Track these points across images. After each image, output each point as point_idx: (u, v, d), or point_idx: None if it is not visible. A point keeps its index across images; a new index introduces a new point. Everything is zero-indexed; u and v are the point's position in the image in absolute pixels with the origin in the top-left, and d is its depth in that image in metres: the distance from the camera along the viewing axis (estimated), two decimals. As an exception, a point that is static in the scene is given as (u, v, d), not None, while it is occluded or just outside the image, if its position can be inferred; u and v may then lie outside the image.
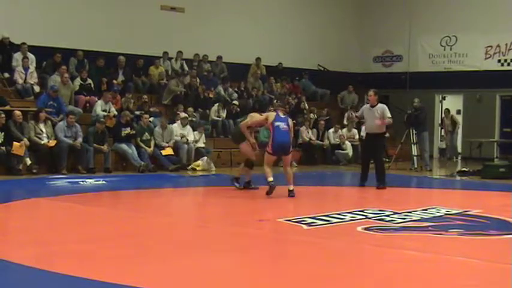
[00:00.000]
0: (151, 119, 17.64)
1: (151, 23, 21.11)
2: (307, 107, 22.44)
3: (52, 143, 15.42)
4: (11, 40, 18.01)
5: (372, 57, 27.16)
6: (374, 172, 13.84)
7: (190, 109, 19.08)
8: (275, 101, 20.12)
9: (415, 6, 25.53)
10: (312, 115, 21.74)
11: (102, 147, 16.07)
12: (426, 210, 10.39)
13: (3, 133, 14.82)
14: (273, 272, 6.44)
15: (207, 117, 19.85)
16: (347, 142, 21.05)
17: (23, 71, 17.52)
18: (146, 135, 17.02)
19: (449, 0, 25.09)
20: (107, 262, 6.77)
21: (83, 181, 14.28)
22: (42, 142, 15.35)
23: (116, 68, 19.64)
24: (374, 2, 26.98)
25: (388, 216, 9.72)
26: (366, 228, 8.64)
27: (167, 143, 17.34)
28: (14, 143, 14.68)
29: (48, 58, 18.47)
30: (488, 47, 24.20)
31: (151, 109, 18.60)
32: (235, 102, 20.77)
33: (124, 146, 16.54)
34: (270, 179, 12.04)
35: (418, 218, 9.61)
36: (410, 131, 19.08)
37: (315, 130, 21.04)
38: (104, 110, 17.36)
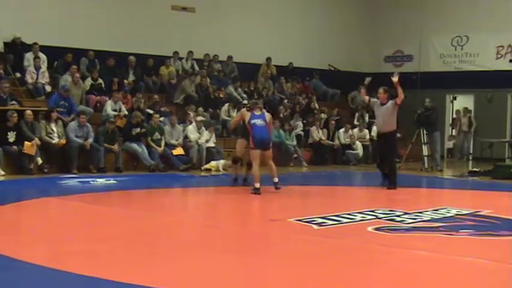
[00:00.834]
0: (161, 118, 17.67)
1: (162, 23, 21.14)
2: (317, 107, 22.44)
3: (62, 141, 15.46)
4: (23, 40, 18.10)
5: (382, 57, 27.10)
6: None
7: (201, 109, 19.10)
8: (245, 101, 20.24)
9: (426, 6, 25.45)
10: (322, 115, 21.73)
11: (112, 146, 16.10)
12: (437, 210, 10.36)
13: (14, 132, 14.87)
14: (283, 272, 6.44)
15: (218, 117, 19.87)
16: (357, 142, 21.02)
17: (34, 71, 17.59)
18: (157, 135, 17.05)
19: (461, 0, 25.03)
20: (117, 261, 6.79)
21: (93, 180, 14.31)
22: (53, 142, 15.39)
23: (127, 67, 19.68)
24: (385, 2, 26.92)
25: (398, 216, 9.70)
26: (376, 229, 8.63)
27: (176, 140, 17.37)
28: (26, 142, 14.73)
29: (60, 58, 18.54)
30: (499, 46, 24.12)
31: (162, 109, 18.65)
32: (245, 102, 20.76)
33: (134, 146, 16.58)
34: (257, 185, 12.35)
35: (429, 219, 9.60)
36: (421, 131, 19.02)
37: (325, 130, 21.01)
38: (115, 110, 17.40)
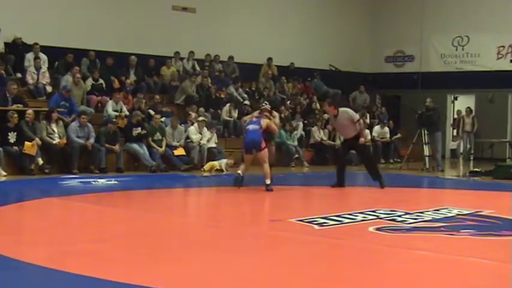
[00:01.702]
0: (162, 119, 17.68)
1: (163, 23, 21.16)
2: (318, 107, 22.44)
3: (63, 141, 15.46)
4: (23, 40, 18.11)
5: (383, 57, 27.13)
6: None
7: (202, 109, 19.11)
8: (246, 102, 20.63)
9: (427, 6, 25.49)
10: (324, 115, 21.72)
11: (113, 147, 16.11)
12: (438, 210, 10.36)
13: (15, 133, 14.88)
14: (284, 272, 6.43)
15: (219, 118, 19.87)
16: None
17: (34, 71, 17.60)
18: (158, 135, 17.05)
19: (462, 0, 25.03)
20: (118, 262, 6.78)
21: (94, 181, 14.30)
22: (54, 142, 15.39)
23: (128, 67, 19.68)
24: (386, 2, 26.95)
25: (399, 216, 9.70)
26: (377, 229, 8.62)
27: (178, 142, 17.38)
28: (26, 142, 14.74)
29: (60, 58, 18.55)
30: (500, 47, 24.14)
31: (164, 109, 18.65)
32: (246, 102, 20.79)
33: (135, 146, 16.57)
34: (239, 171, 13.13)
35: (430, 219, 9.59)
36: (422, 131, 19.01)
37: (326, 130, 21.01)
38: (116, 110, 17.40)
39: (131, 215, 10.23)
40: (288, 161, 19.33)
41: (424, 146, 19.01)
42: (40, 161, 14.97)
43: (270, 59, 23.38)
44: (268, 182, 12.79)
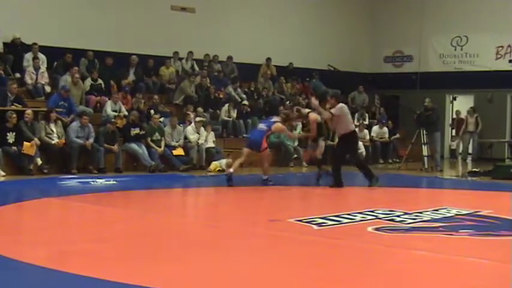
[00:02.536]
0: (161, 119, 17.67)
1: (162, 23, 21.14)
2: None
3: (62, 141, 15.45)
4: (22, 40, 18.10)
5: (382, 57, 27.13)
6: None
7: (200, 109, 19.09)
8: (245, 102, 20.93)
9: (426, 6, 25.48)
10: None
11: (112, 147, 16.11)
12: (437, 210, 10.36)
13: (14, 133, 14.87)
14: (283, 272, 6.44)
15: (218, 118, 19.87)
16: (359, 142, 20.97)
17: (33, 71, 17.60)
18: (156, 135, 17.05)
19: (461, 0, 25.04)
20: (118, 262, 6.79)
21: (93, 181, 14.31)
22: (53, 142, 15.39)
23: (127, 67, 19.68)
24: (385, 2, 26.94)
25: (398, 216, 9.70)
26: (376, 229, 8.63)
27: (177, 142, 17.38)
28: (25, 142, 14.74)
29: (59, 58, 18.54)
30: (499, 47, 24.14)
31: (162, 108, 18.64)
32: (245, 102, 20.79)
33: (134, 146, 16.57)
34: (230, 169, 13.56)
35: (429, 219, 9.59)
36: (421, 131, 19.01)
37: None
38: (114, 110, 17.40)
39: (130, 215, 10.23)
40: (286, 161, 19.32)
41: (423, 146, 19.01)
42: (39, 161, 14.97)
43: (268, 59, 23.37)
44: (264, 177, 13.41)
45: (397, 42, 26.60)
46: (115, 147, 16.15)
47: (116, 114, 17.27)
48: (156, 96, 19.05)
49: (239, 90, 21.55)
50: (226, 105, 20.10)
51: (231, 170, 13.47)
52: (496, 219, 9.65)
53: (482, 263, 6.93)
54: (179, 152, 17.25)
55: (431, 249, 7.55)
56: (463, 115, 23.94)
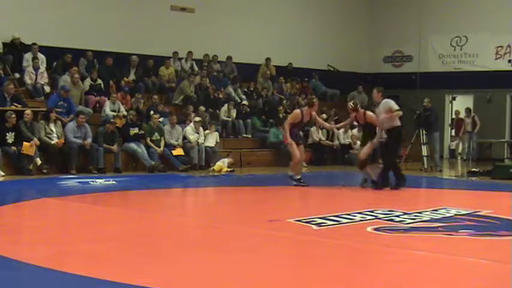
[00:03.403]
0: (161, 119, 17.68)
1: (161, 23, 21.15)
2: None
3: (61, 141, 15.45)
4: (22, 40, 18.11)
5: (382, 58, 27.14)
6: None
7: (202, 108, 19.07)
8: (244, 102, 20.99)
9: (425, 6, 25.48)
10: (323, 115, 21.69)
11: (112, 147, 16.11)
12: (436, 210, 10.36)
13: (13, 133, 14.88)
14: (282, 272, 6.44)
15: (217, 118, 19.87)
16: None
17: (33, 72, 17.60)
18: (156, 135, 17.06)
19: (460, 0, 25.03)
20: (117, 262, 6.78)
21: (93, 181, 14.31)
22: (52, 142, 15.39)
23: (128, 67, 19.68)
24: (384, 2, 26.95)
25: (398, 216, 9.70)
26: (375, 229, 8.62)
27: (176, 141, 17.38)
28: (24, 143, 14.74)
29: (59, 58, 18.55)
30: (498, 47, 24.14)
31: (161, 109, 18.64)
32: (244, 102, 20.80)
33: (134, 146, 16.58)
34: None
35: (428, 219, 9.59)
36: (420, 131, 19.02)
37: (324, 130, 21.00)
38: (114, 110, 17.41)
39: (129, 215, 10.23)
40: (286, 161, 19.29)
41: (423, 146, 19.02)
42: (38, 161, 14.98)
43: (268, 59, 23.37)
44: (290, 173, 13.37)
45: (396, 42, 26.61)
46: (114, 147, 16.15)
47: (115, 114, 17.27)
48: (155, 96, 19.05)
49: (239, 90, 21.56)
50: (226, 105, 20.11)
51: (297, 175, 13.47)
52: (495, 220, 9.64)
53: (481, 263, 6.93)
54: (179, 152, 17.26)
55: (431, 249, 7.55)
56: (462, 115, 23.94)
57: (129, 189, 13.55)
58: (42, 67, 17.88)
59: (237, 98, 21.08)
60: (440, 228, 8.78)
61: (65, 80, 17.54)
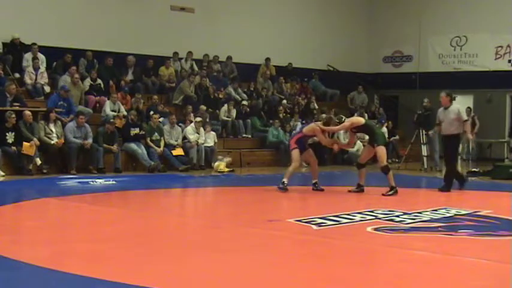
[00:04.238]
0: (160, 119, 17.67)
1: (161, 23, 21.15)
2: (316, 107, 22.42)
3: (61, 141, 15.45)
4: (22, 40, 18.10)
5: (381, 58, 27.12)
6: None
7: (203, 107, 19.06)
8: (244, 102, 20.91)
9: (425, 6, 25.47)
10: (324, 115, 21.64)
11: (111, 147, 16.11)
12: (436, 210, 10.37)
13: (13, 133, 14.87)
14: (282, 272, 6.44)
15: (217, 118, 19.87)
16: (358, 142, 20.96)
17: (33, 72, 17.60)
18: (156, 136, 17.06)
19: (460, 0, 25.03)
20: (116, 262, 6.79)
21: (93, 181, 14.31)
22: (52, 142, 15.39)
23: (126, 68, 19.68)
24: (384, 2, 26.95)
25: (398, 216, 9.71)
26: (375, 229, 8.63)
27: (176, 141, 17.39)
28: (24, 143, 14.74)
29: (59, 58, 18.54)
30: (498, 47, 24.13)
31: (161, 109, 18.64)
32: (244, 102, 20.79)
33: (133, 146, 16.58)
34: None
35: (428, 219, 9.60)
36: (420, 131, 19.02)
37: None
38: (113, 110, 17.41)
39: (129, 215, 10.24)
40: (286, 161, 19.29)
41: (422, 146, 19.03)
42: (38, 161, 14.97)
43: (268, 59, 23.36)
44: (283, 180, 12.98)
45: (396, 42, 26.60)
46: (114, 147, 16.15)
47: (115, 114, 17.28)
48: (155, 96, 19.05)
49: (239, 90, 21.56)
50: (226, 105, 20.10)
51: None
52: (495, 220, 9.66)
53: (481, 263, 6.94)
54: (179, 152, 17.26)
55: (431, 249, 7.55)
56: (462, 115, 23.89)
57: (129, 189, 13.55)
58: (42, 67, 17.88)
59: (237, 96, 21.08)
60: (440, 228, 8.79)
61: (64, 80, 17.54)
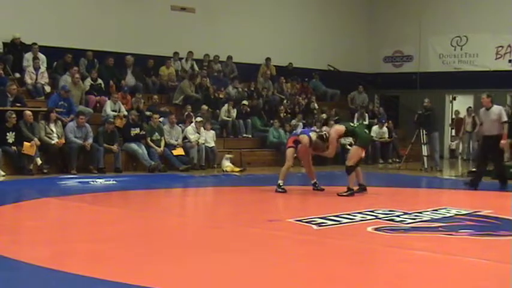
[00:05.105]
0: (161, 119, 17.68)
1: (162, 23, 21.14)
2: (317, 107, 22.42)
3: (60, 141, 15.45)
4: (22, 40, 18.10)
5: (382, 58, 27.12)
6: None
7: (204, 106, 19.05)
8: (244, 101, 20.80)
9: (425, 6, 25.46)
10: (324, 115, 21.68)
11: (112, 147, 16.11)
12: (436, 210, 10.37)
13: (14, 133, 14.87)
14: (283, 272, 6.44)
15: (217, 118, 19.87)
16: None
17: (33, 71, 17.61)
18: (156, 135, 17.06)
19: (460, 0, 25.02)
20: (117, 262, 6.79)
21: (93, 181, 14.31)
22: (53, 142, 15.39)
23: (125, 68, 19.68)
24: (384, 3, 26.94)
25: (398, 216, 9.71)
26: (376, 229, 8.63)
27: (176, 141, 17.39)
28: (25, 143, 14.74)
29: (59, 58, 18.55)
30: (499, 47, 24.13)
31: (162, 109, 18.65)
32: (245, 102, 20.79)
33: (134, 146, 16.58)
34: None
35: (428, 219, 9.60)
36: (421, 131, 19.03)
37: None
38: (114, 110, 17.41)
39: (130, 215, 10.24)
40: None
41: (423, 146, 19.03)
42: (39, 161, 14.97)
43: (268, 59, 23.36)
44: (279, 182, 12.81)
45: (396, 42, 26.60)
46: (115, 147, 16.15)
47: (116, 114, 17.28)
48: (155, 96, 19.06)
49: (240, 90, 21.56)
50: (226, 105, 20.10)
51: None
52: (495, 219, 9.66)
53: (481, 263, 6.94)
54: (179, 151, 17.26)
55: (431, 249, 7.55)
56: (462, 115, 23.91)
57: (129, 189, 13.55)
58: (43, 67, 17.88)
59: (238, 95, 21.09)
60: (440, 228, 8.79)
61: (65, 80, 17.54)
